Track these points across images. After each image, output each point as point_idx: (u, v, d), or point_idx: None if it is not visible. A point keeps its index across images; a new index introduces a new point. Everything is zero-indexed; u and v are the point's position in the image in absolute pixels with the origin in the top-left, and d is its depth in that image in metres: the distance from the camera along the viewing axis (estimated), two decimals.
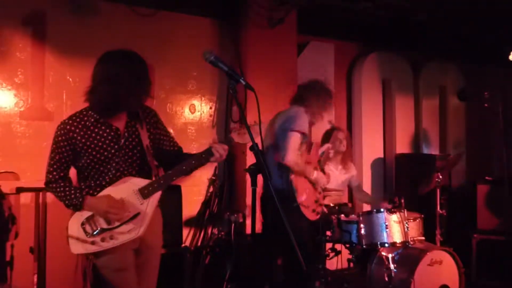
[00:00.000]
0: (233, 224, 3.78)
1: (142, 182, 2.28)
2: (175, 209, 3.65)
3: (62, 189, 2.25)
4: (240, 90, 4.01)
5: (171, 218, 3.60)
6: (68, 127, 2.21)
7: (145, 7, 3.99)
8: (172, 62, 4.21)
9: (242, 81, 1.98)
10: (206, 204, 4.17)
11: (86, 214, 2.22)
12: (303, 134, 3.23)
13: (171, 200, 3.64)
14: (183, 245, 3.77)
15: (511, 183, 4.77)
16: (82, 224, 2.21)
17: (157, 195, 2.28)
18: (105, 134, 2.25)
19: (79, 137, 2.21)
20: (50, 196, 3.28)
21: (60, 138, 2.22)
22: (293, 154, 3.13)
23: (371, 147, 5.25)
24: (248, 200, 4.07)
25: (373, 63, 5.36)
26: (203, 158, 2.30)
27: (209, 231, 4.14)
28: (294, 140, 3.17)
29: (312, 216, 3.33)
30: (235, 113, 4.23)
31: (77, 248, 2.22)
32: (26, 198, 3.40)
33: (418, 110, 5.74)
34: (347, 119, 5.37)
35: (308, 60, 4.83)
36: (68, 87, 3.76)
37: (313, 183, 3.38)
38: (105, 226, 2.21)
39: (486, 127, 5.90)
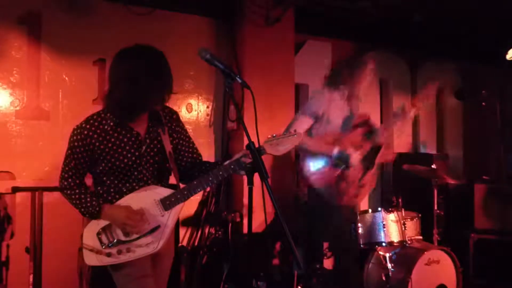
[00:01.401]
0: (230, 224, 3.78)
1: (164, 191, 2.13)
2: None
3: (78, 196, 2.11)
4: (237, 89, 3.99)
5: None
6: (85, 132, 2.05)
7: (141, 6, 3.97)
8: (168, 61, 4.18)
9: (238, 79, 1.97)
10: (203, 203, 4.16)
11: (103, 223, 2.09)
12: (312, 116, 3.23)
13: None
14: (180, 244, 3.75)
15: (508, 182, 4.78)
16: (98, 234, 2.08)
17: (179, 206, 2.13)
18: (125, 140, 2.10)
19: (97, 143, 2.06)
20: (46, 196, 3.28)
21: (76, 144, 2.07)
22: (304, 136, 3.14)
23: None
24: (245, 200, 4.06)
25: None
26: (231, 169, 2.13)
27: (206, 230, 4.13)
28: (300, 123, 3.21)
29: (352, 202, 3.36)
30: (232, 112, 4.21)
31: (91, 259, 2.09)
32: (22, 197, 3.38)
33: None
34: None
35: (305, 59, 4.82)
36: (64, 86, 3.74)
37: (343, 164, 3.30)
38: (122, 238, 2.08)
39: (483, 126, 5.90)
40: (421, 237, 3.74)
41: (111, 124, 2.09)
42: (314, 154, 3.28)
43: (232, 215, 3.81)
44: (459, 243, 4.43)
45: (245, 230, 4.00)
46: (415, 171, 4.04)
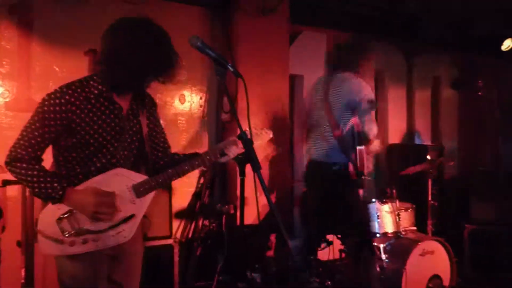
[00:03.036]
0: (224, 216, 3.76)
1: (137, 177, 1.96)
2: (165, 201, 3.61)
3: (35, 173, 1.81)
4: (231, 80, 3.95)
5: (161, 210, 3.57)
6: (67, 97, 1.81)
7: None
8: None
9: (230, 68, 1.92)
10: (197, 195, 4.13)
11: (64, 207, 1.85)
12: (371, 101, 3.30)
13: (161, 192, 3.60)
14: (174, 237, 3.73)
15: (504, 173, 4.78)
16: (59, 219, 1.83)
17: (151, 195, 1.98)
18: (107, 112, 1.90)
19: (78, 111, 1.83)
20: None
21: (53, 109, 1.80)
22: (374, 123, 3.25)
23: None
24: (239, 191, 4.04)
25: None
26: (207, 159, 2.09)
27: (200, 222, 4.11)
28: (370, 110, 3.28)
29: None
30: (226, 103, 4.18)
31: (49, 248, 1.84)
32: (12, 190, 3.34)
33: (411, 101, 5.73)
34: None
35: (300, 50, 4.78)
36: (55, 77, 3.69)
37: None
38: (89, 226, 1.85)
39: (479, 117, 5.90)
40: (415, 228, 3.75)
41: (95, 92, 1.89)
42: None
43: (226, 207, 3.79)
44: (454, 233, 4.44)
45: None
46: (413, 173, 4.02)
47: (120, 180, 1.92)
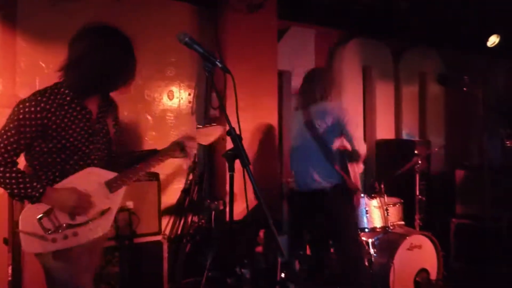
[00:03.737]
0: (213, 212, 3.76)
1: (108, 174, 2.10)
2: (154, 198, 3.60)
3: (15, 175, 1.90)
4: (219, 76, 3.95)
5: (150, 207, 3.55)
6: (42, 104, 1.91)
7: None
8: (149, 48, 4.11)
9: (218, 64, 1.92)
10: (186, 192, 4.12)
11: (43, 207, 1.94)
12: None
13: (150, 189, 3.59)
14: (163, 233, 3.72)
15: (490, 168, 4.85)
16: (40, 218, 1.92)
17: (123, 190, 2.13)
18: (79, 116, 2.02)
19: (53, 117, 1.93)
20: None
21: (28, 116, 1.89)
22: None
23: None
24: (228, 187, 4.05)
25: (353, 50, 5.34)
26: (169, 155, 2.26)
27: (189, 219, 4.10)
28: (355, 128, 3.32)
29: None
30: (214, 99, 4.17)
31: (33, 246, 1.92)
32: None
33: (398, 97, 5.77)
34: None
35: (288, 46, 4.78)
36: (41, 73, 3.64)
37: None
38: (69, 222, 1.97)
39: (465, 113, 5.96)
40: (403, 223, 3.79)
41: (68, 99, 1.99)
42: None
43: (216, 203, 3.79)
44: (441, 228, 4.49)
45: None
46: (404, 171, 4.05)
47: (94, 178, 2.06)
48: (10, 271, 3.10)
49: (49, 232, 1.94)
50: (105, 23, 2.09)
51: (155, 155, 2.24)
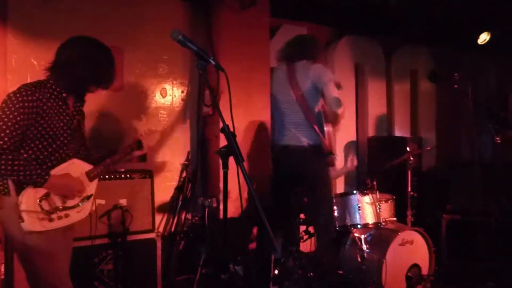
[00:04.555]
0: (207, 209, 3.76)
1: (86, 166, 2.43)
2: (147, 195, 3.60)
3: (22, 162, 2.12)
4: (212, 73, 3.95)
5: (143, 204, 3.55)
6: (37, 94, 2.17)
7: None
8: (142, 45, 4.11)
9: (212, 61, 1.93)
10: (179, 189, 4.12)
11: (41, 190, 2.21)
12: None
13: (143, 186, 3.59)
14: (156, 231, 3.72)
15: (480, 165, 4.90)
16: (40, 200, 2.19)
17: (96, 180, 2.48)
18: (61, 110, 2.29)
19: (44, 107, 2.18)
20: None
21: (26, 104, 2.12)
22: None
23: (344, 130, 5.28)
24: (222, 185, 4.05)
25: (345, 47, 5.37)
26: (127, 152, 2.63)
27: (183, 216, 4.10)
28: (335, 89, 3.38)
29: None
30: (207, 97, 4.17)
31: (34, 225, 2.17)
32: None
33: (390, 94, 5.80)
34: None
35: (281, 44, 4.75)
36: (33, 70, 3.61)
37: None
38: (64, 204, 2.28)
39: (456, 110, 6.01)
40: (395, 219, 3.82)
41: (55, 93, 2.27)
42: None
43: (209, 200, 3.79)
44: (432, 224, 4.53)
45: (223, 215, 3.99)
46: (395, 165, 4.09)
47: (76, 168, 2.37)
48: (2, 269, 3.09)
49: (47, 212, 2.21)
50: (91, 37, 2.40)
51: (117, 152, 2.61)
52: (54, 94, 2.26)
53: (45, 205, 2.21)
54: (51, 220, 2.22)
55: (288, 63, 3.54)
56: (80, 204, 2.37)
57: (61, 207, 2.27)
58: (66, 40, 2.35)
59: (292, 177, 3.56)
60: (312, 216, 3.46)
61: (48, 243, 2.21)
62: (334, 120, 3.44)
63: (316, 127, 3.42)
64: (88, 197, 2.42)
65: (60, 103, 2.29)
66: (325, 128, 3.53)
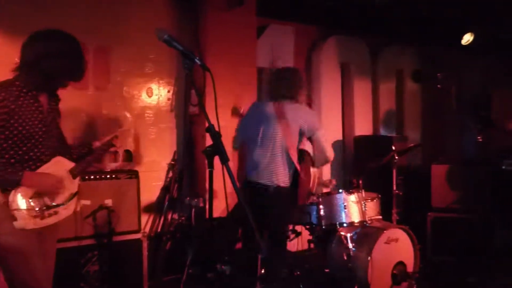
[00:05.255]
0: (193, 209, 3.76)
1: (70, 163, 2.41)
2: (133, 195, 3.58)
3: None
4: (199, 73, 3.94)
5: (129, 205, 3.53)
6: (3, 94, 2.13)
7: None
8: (128, 44, 4.08)
9: (197, 61, 1.93)
10: (165, 189, 4.11)
11: (31, 189, 2.21)
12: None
13: (129, 186, 3.57)
14: (142, 231, 3.71)
15: (464, 163, 4.96)
16: (31, 198, 2.19)
17: (79, 178, 2.46)
18: (33, 108, 2.22)
19: (13, 106, 2.14)
20: None
21: None
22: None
23: (331, 129, 5.31)
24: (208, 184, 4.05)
25: (332, 47, 5.40)
26: (104, 150, 2.63)
27: (169, 216, 4.09)
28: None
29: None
30: (193, 96, 4.16)
31: (27, 223, 2.18)
32: None
33: (376, 93, 5.85)
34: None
35: (267, 43, 4.80)
36: None
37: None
38: (52, 202, 2.28)
39: (440, 109, 6.09)
40: (381, 217, 3.84)
41: (24, 91, 2.20)
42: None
43: (196, 200, 3.79)
44: (417, 221, 4.58)
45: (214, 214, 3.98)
46: (380, 164, 4.12)
47: (60, 166, 2.36)
48: None
49: (38, 210, 2.22)
50: (55, 29, 2.29)
51: (96, 150, 2.60)
52: (23, 92, 2.20)
53: (36, 203, 2.21)
54: (43, 217, 2.24)
55: (274, 100, 3.40)
56: (67, 202, 2.37)
57: (50, 205, 2.28)
58: (28, 37, 2.26)
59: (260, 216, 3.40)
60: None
61: (22, 244, 2.19)
62: (325, 162, 3.46)
63: (298, 166, 3.32)
64: (74, 195, 2.42)
65: (31, 101, 2.22)
66: (312, 170, 3.52)
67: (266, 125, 3.26)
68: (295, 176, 3.34)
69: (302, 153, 3.41)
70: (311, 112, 3.46)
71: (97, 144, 2.63)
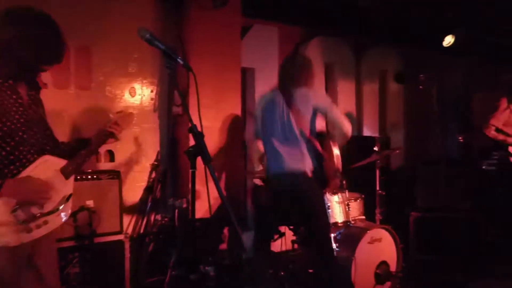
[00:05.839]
0: (177, 210, 3.73)
1: (60, 161, 2.11)
2: (116, 196, 3.53)
3: None
4: (182, 73, 3.88)
5: (111, 205, 3.49)
6: None
7: None
8: (111, 44, 4.03)
9: (180, 61, 1.91)
10: (148, 190, 4.07)
11: (12, 200, 1.93)
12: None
13: (111, 187, 3.52)
14: (125, 232, 3.66)
15: (446, 163, 5.04)
16: (14, 210, 1.92)
17: (73, 178, 2.17)
18: (11, 101, 1.96)
19: None
20: None
21: None
22: None
23: None
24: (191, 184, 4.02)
25: (316, 48, 5.42)
26: (102, 140, 2.31)
27: (152, 217, 4.05)
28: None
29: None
30: (177, 96, 4.12)
31: (12, 238, 1.90)
32: None
33: (359, 94, 5.89)
34: None
35: (252, 43, 4.79)
36: None
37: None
38: (41, 210, 2.00)
39: (422, 110, 6.16)
40: (364, 217, 3.88)
41: None
42: None
43: (179, 201, 3.76)
44: (400, 221, 4.63)
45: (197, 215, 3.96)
46: (363, 165, 4.14)
47: (50, 165, 2.06)
48: None
49: (23, 223, 1.94)
50: (27, 5, 1.99)
51: (91, 141, 2.29)
52: None
53: (20, 215, 1.93)
54: (29, 230, 1.96)
55: (283, 90, 3.40)
56: (59, 207, 2.08)
57: (38, 214, 1.98)
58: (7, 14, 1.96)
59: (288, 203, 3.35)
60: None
61: (7, 265, 1.91)
62: (344, 139, 3.42)
63: (320, 149, 3.35)
64: (68, 198, 2.12)
65: (8, 92, 1.96)
66: (334, 150, 3.51)
67: (280, 115, 3.30)
68: (319, 159, 3.36)
69: (321, 136, 3.42)
70: (319, 93, 3.46)
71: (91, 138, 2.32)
